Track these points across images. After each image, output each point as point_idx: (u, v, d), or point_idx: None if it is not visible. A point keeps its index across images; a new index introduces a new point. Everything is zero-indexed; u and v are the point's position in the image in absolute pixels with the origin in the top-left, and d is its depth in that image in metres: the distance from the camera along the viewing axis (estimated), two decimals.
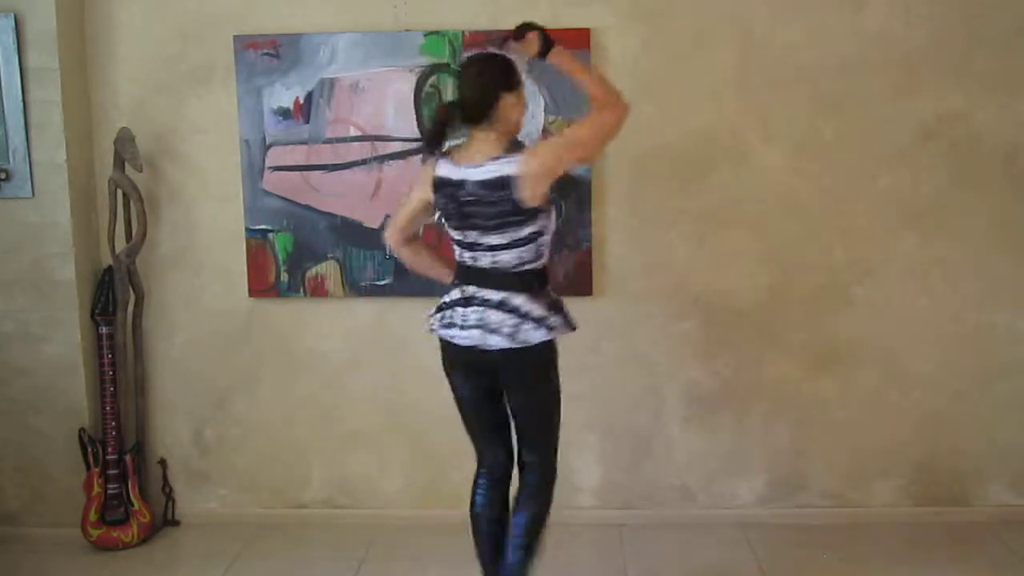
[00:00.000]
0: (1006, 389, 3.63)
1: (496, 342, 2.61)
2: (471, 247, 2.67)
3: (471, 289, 2.68)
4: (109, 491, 3.56)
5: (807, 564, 3.34)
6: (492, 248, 2.63)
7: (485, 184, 2.57)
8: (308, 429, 3.75)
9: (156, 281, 3.70)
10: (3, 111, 3.46)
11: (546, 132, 3.48)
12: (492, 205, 2.58)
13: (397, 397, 3.72)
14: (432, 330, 2.80)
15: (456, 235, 2.71)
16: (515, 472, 2.84)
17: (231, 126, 3.60)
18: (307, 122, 3.58)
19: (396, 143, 3.57)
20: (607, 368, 3.64)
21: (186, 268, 3.70)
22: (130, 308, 3.66)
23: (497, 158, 2.58)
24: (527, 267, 2.64)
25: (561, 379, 2.74)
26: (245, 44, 3.55)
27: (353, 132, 3.58)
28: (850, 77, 3.51)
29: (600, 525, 3.63)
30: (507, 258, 2.63)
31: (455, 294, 2.73)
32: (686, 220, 3.59)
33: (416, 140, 3.56)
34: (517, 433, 2.79)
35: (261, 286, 3.66)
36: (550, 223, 2.68)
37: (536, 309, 2.62)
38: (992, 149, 3.53)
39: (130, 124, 3.56)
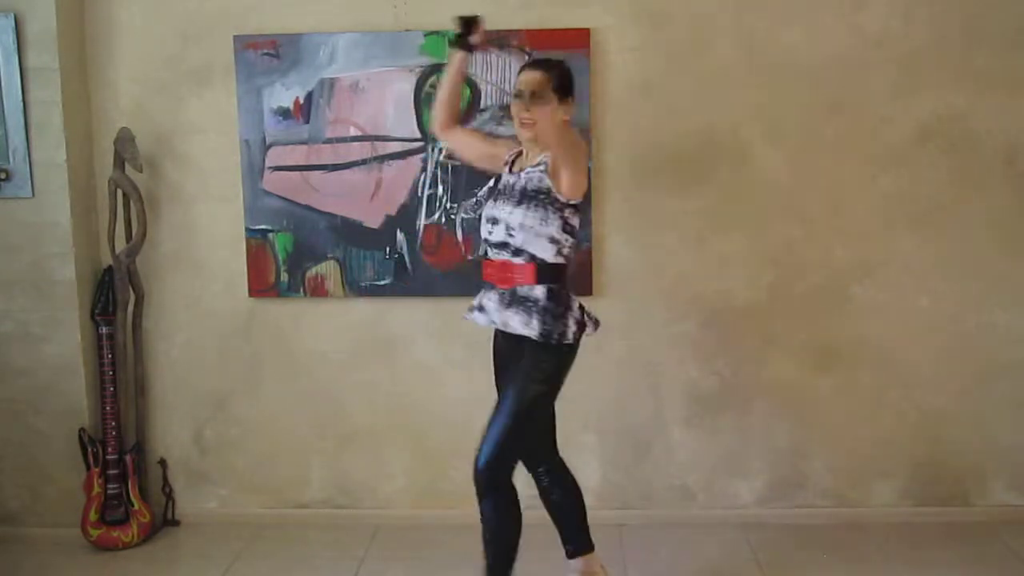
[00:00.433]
0: (1006, 389, 3.63)
1: None
2: None
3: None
4: (109, 491, 3.56)
5: (807, 564, 3.34)
6: None
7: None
8: (308, 429, 3.75)
9: (156, 281, 3.70)
10: (3, 111, 3.46)
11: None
12: None
13: (397, 397, 3.72)
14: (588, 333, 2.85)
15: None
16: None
17: (231, 126, 3.60)
18: (307, 122, 3.58)
19: (396, 143, 3.57)
20: (607, 368, 3.64)
21: (186, 268, 3.70)
22: (130, 308, 3.66)
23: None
24: None
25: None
26: (245, 44, 3.55)
27: (353, 132, 3.58)
28: (850, 77, 3.51)
29: (600, 525, 3.61)
30: None
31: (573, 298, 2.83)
32: (686, 220, 3.59)
33: (416, 140, 3.56)
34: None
35: (261, 286, 3.66)
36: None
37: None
38: (992, 149, 3.53)
39: (130, 124, 3.56)
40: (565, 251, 2.75)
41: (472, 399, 3.64)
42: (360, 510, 3.76)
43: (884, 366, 3.64)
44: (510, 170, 2.88)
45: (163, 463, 3.76)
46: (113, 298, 3.57)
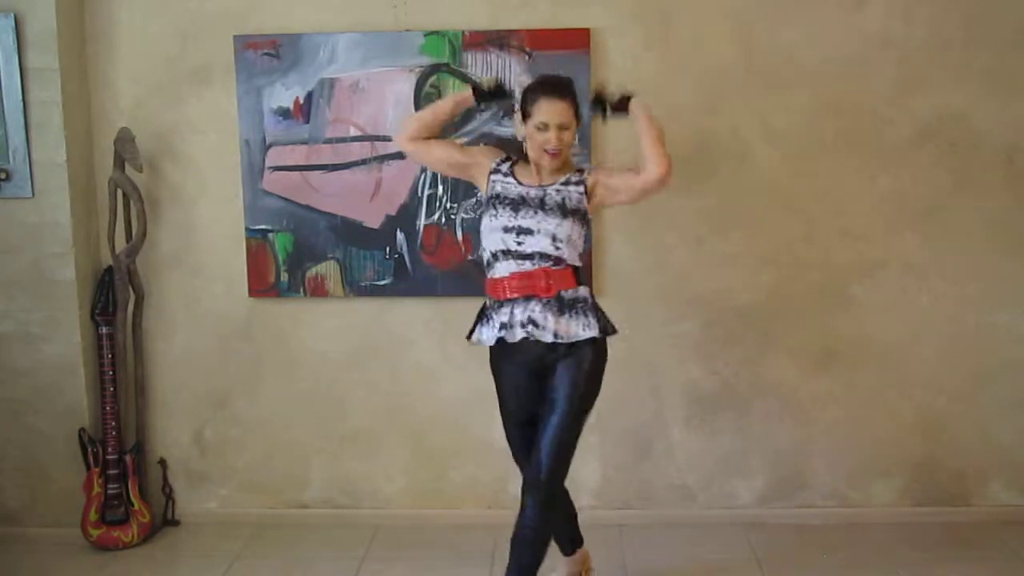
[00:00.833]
0: (1006, 389, 3.64)
1: None
2: None
3: None
4: (109, 491, 3.56)
5: (807, 564, 3.34)
6: None
7: None
8: (308, 429, 3.75)
9: (156, 281, 3.70)
10: (3, 111, 3.46)
11: None
12: None
13: (397, 397, 3.72)
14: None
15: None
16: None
17: (231, 126, 3.60)
18: (307, 122, 3.58)
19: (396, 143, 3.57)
20: (607, 368, 3.63)
21: (186, 268, 3.70)
22: (130, 308, 3.65)
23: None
24: None
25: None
26: (245, 44, 3.55)
27: (353, 132, 3.58)
28: (850, 77, 3.51)
29: (600, 525, 3.62)
30: None
31: None
32: (686, 220, 3.59)
33: None
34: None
35: (261, 286, 3.66)
36: None
37: None
38: (992, 149, 3.53)
39: (130, 124, 3.56)
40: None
41: (472, 399, 3.65)
42: (360, 510, 3.76)
43: (884, 366, 3.64)
44: (515, 180, 2.84)
45: (163, 463, 3.76)
46: (113, 298, 3.57)
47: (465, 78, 3.47)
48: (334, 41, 3.54)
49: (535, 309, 2.76)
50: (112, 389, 3.55)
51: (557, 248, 2.76)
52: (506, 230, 2.78)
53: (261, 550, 3.54)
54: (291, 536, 3.64)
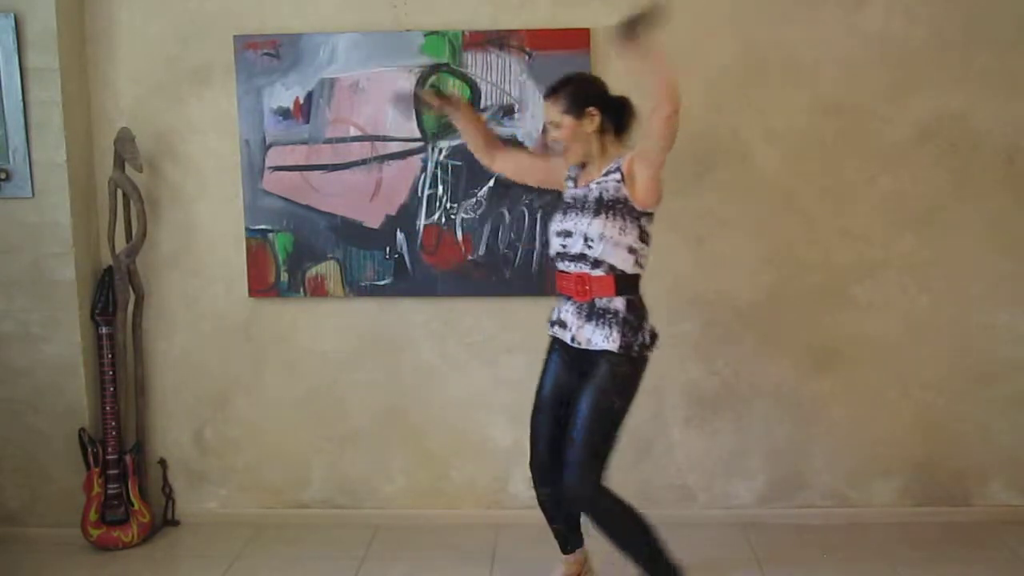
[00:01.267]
0: (1006, 389, 3.63)
1: None
2: None
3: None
4: (109, 491, 3.56)
5: (807, 564, 3.34)
6: None
7: None
8: (308, 429, 3.75)
9: (156, 281, 3.70)
10: (3, 111, 3.46)
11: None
12: None
13: (397, 397, 3.72)
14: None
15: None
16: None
17: (231, 126, 3.60)
18: (307, 122, 3.58)
19: (396, 143, 3.57)
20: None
21: (186, 268, 3.70)
22: (130, 308, 3.65)
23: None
24: None
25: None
26: (245, 44, 3.55)
27: (353, 132, 3.57)
28: (850, 77, 3.51)
29: None
30: None
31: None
32: (686, 220, 3.58)
33: (416, 140, 3.56)
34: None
35: (261, 286, 3.66)
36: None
37: None
38: (992, 149, 3.53)
39: (130, 124, 3.56)
40: (642, 261, 2.79)
41: (472, 399, 3.65)
42: (360, 510, 3.76)
43: (884, 366, 3.64)
44: (575, 184, 2.88)
45: (163, 463, 3.76)
46: (113, 298, 3.57)
47: (465, 78, 3.48)
48: (334, 41, 3.54)
49: (568, 310, 2.81)
50: (112, 389, 3.55)
51: (589, 247, 2.73)
52: (557, 234, 2.84)
53: (261, 550, 3.54)
54: (291, 536, 3.64)
